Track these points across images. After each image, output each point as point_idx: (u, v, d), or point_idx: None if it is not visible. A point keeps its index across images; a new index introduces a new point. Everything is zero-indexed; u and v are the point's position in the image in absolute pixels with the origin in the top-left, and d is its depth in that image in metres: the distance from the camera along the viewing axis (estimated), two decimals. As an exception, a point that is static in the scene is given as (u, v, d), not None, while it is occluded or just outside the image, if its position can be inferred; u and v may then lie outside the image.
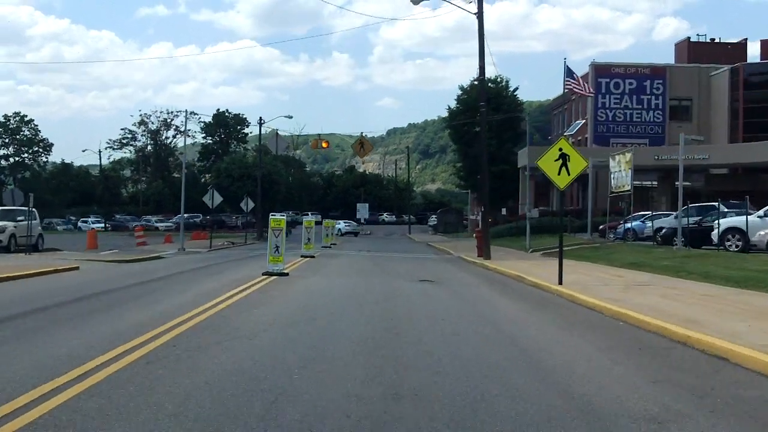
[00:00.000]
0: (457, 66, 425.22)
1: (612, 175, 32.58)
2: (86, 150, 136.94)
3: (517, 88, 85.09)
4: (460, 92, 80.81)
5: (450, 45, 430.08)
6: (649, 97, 69.71)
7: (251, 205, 54.05)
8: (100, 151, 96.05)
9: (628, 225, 40.37)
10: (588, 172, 70.20)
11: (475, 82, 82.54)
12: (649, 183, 66.92)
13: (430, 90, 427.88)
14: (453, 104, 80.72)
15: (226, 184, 63.55)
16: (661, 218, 37.99)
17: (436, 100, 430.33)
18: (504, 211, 66.28)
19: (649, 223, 37.93)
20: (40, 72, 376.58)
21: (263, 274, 18.00)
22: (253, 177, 61.75)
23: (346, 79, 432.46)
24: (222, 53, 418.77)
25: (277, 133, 36.48)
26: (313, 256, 27.93)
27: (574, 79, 52.58)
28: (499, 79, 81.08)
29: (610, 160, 32.91)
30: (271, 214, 18.34)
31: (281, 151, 36.75)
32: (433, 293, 15.01)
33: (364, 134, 36.84)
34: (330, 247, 40.36)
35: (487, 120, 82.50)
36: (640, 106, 69.58)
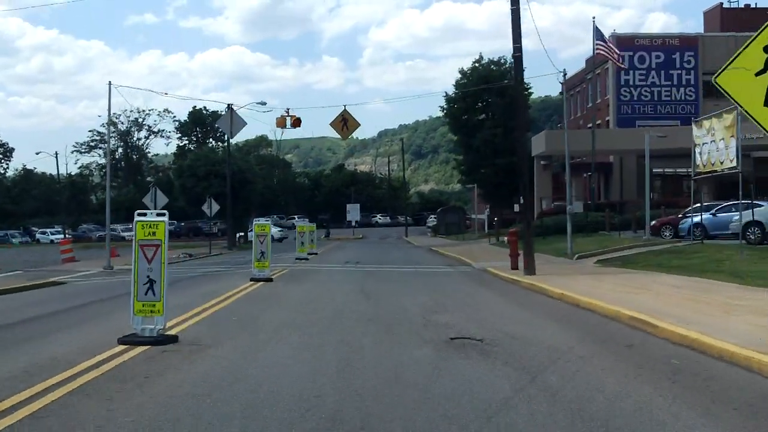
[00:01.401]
0: (448, 66, 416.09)
1: (698, 149, 23.21)
2: (40, 152, 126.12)
3: (523, 70, 75.50)
4: (459, 77, 71.52)
5: (440, 45, 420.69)
6: (680, 71, 60.31)
7: (216, 208, 44.54)
8: (56, 154, 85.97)
9: (693, 219, 31.15)
10: (611, 159, 61.18)
11: (476, 65, 73.39)
12: (684, 170, 57.72)
13: (421, 91, 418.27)
14: (451, 90, 71.49)
15: (190, 184, 53.99)
16: (729, 209, 28.82)
17: (428, 101, 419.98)
18: (517, 207, 56.74)
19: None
20: (31, 83, 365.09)
21: (121, 342, 8.49)
22: (222, 175, 52.19)
23: (336, 82, 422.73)
24: (212, 59, 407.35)
25: (231, 109, 26.97)
26: (269, 279, 18.24)
27: (605, 42, 43.18)
28: (502, 61, 71.83)
29: (695, 128, 23.54)
30: (136, 212, 8.71)
31: (237, 131, 27.28)
32: (514, 423, 5.44)
33: (346, 107, 27.43)
34: (307, 259, 30.75)
35: (489, 107, 73.06)
36: (670, 83, 60.13)
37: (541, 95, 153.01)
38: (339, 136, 31.24)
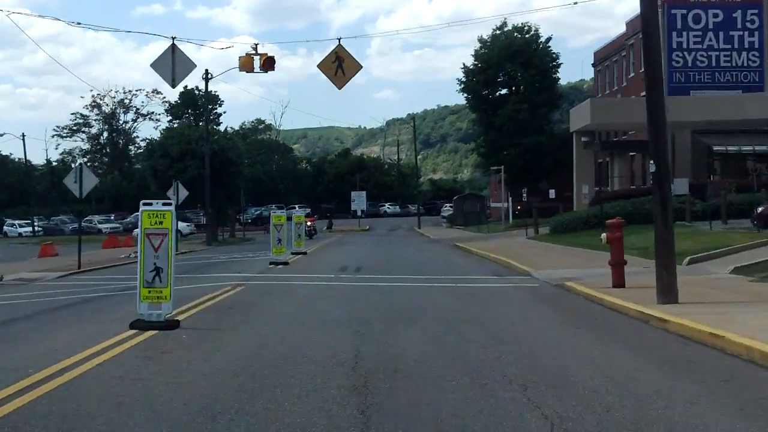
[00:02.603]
0: (456, 55, 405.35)
1: None
2: (4, 134, 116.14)
3: (550, 38, 66.61)
4: (478, 46, 62.33)
5: (448, 35, 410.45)
6: (741, 33, 50.73)
7: (184, 194, 35.89)
8: (23, 135, 77.25)
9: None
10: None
11: (497, 32, 64.03)
12: (750, 149, 48.74)
13: (429, 80, 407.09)
14: (469, 61, 62.27)
15: (162, 166, 45.20)
16: None
17: (436, 90, 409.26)
18: (553, 193, 47.80)
19: None
20: (38, 75, 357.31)
21: None
22: (200, 156, 43.50)
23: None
24: (219, 50, 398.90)
25: (173, 47, 18.11)
26: (171, 325, 9.06)
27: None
28: (526, 28, 62.63)
29: None
30: None
31: (182, 77, 18.45)
32: None
33: (341, 41, 18.51)
34: (286, 263, 21.82)
35: (512, 81, 63.63)
36: (729, 46, 50.53)
37: (570, 80, 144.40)
38: (349, 130, 22.33)
